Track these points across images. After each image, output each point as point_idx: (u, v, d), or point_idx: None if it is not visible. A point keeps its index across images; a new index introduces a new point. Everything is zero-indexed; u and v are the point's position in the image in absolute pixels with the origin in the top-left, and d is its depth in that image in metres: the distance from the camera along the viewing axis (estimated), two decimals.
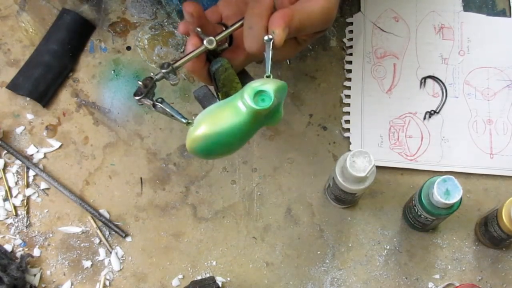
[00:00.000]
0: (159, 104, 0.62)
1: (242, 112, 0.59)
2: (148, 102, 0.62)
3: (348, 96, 0.85)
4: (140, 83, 0.62)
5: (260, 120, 0.60)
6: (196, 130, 0.60)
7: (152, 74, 0.63)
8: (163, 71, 0.63)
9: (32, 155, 0.83)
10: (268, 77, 0.60)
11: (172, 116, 0.62)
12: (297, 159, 0.83)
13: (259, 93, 0.58)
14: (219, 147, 0.61)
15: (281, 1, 0.64)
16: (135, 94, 0.62)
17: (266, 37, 0.60)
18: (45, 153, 0.83)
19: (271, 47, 0.61)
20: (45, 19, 0.87)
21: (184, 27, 0.67)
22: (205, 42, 0.63)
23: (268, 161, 0.83)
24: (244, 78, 0.68)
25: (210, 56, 0.66)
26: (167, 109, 0.62)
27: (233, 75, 0.65)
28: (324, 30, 0.67)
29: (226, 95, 0.64)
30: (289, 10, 0.61)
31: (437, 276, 0.80)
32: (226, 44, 0.67)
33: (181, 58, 0.64)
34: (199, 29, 0.64)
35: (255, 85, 0.58)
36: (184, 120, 0.61)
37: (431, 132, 0.84)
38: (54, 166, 0.83)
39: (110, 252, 0.80)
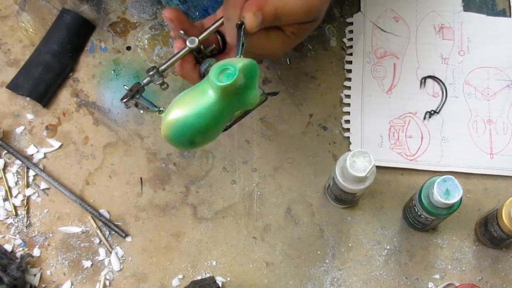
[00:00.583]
0: (136, 100, 0.64)
1: (208, 91, 0.59)
2: (131, 103, 0.64)
3: (348, 96, 0.85)
4: (126, 88, 0.65)
5: (231, 100, 0.60)
6: (167, 116, 0.60)
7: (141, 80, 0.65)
8: (149, 74, 0.65)
9: (32, 155, 0.83)
10: None
11: (148, 108, 0.63)
12: (297, 159, 0.83)
13: (223, 71, 0.58)
14: (193, 131, 0.60)
15: None
16: (122, 98, 0.64)
17: (237, 23, 0.62)
18: (45, 153, 0.83)
19: (242, 32, 0.62)
20: (45, 19, 0.87)
21: (173, 32, 0.68)
22: (187, 42, 0.64)
23: (268, 161, 0.83)
24: None
25: (200, 59, 0.66)
26: (142, 102, 0.63)
27: None
28: (311, 21, 0.66)
29: None
30: None
31: (437, 276, 0.80)
32: (214, 45, 0.67)
33: (167, 61, 0.65)
34: (182, 32, 0.65)
35: (219, 63, 0.59)
36: (155, 109, 0.62)
37: (431, 132, 0.84)
38: (54, 166, 0.83)
39: (110, 252, 0.80)
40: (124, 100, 0.64)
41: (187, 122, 0.60)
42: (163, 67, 0.65)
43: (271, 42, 0.66)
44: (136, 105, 0.64)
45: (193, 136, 0.61)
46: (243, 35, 0.62)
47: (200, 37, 0.65)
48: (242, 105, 0.62)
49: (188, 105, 0.59)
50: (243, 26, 0.62)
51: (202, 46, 0.65)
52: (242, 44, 0.62)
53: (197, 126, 0.60)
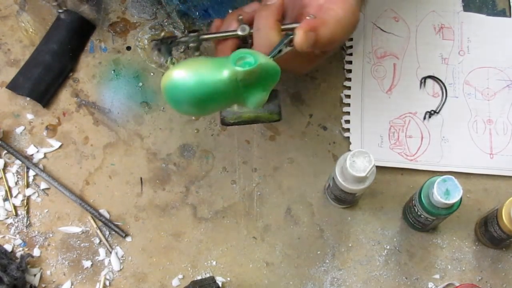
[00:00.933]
0: (162, 45, 0.66)
1: (222, 69, 0.60)
2: (156, 46, 0.66)
3: (348, 96, 0.85)
4: (162, 34, 0.68)
5: (238, 89, 0.61)
6: (175, 68, 0.61)
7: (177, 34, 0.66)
8: (190, 34, 0.66)
9: (32, 155, 0.83)
10: None
11: (165, 56, 0.66)
12: (297, 159, 0.83)
13: (244, 58, 0.59)
14: (189, 95, 0.61)
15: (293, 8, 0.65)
16: (153, 40, 0.67)
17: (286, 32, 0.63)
18: (45, 153, 0.83)
19: (284, 41, 0.62)
20: (45, 19, 0.87)
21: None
22: (239, 29, 0.65)
23: (268, 161, 0.83)
24: None
25: (242, 47, 0.67)
26: (164, 49, 0.66)
27: None
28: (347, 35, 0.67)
29: None
30: (318, 20, 0.63)
31: (437, 276, 0.80)
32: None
33: (211, 33, 0.65)
34: (241, 17, 0.66)
35: (244, 50, 0.60)
36: (169, 57, 0.65)
37: (431, 132, 0.84)
38: (54, 166, 0.83)
39: (110, 252, 0.80)
40: (154, 41, 0.67)
41: (189, 84, 0.61)
42: (205, 36, 0.66)
43: (299, 60, 0.66)
44: (159, 49, 0.66)
45: (187, 101, 0.62)
46: (286, 45, 0.63)
47: (205, 36, 0.66)
48: (245, 101, 0.62)
49: (196, 69, 0.60)
50: (290, 37, 0.62)
51: (250, 39, 0.66)
52: (280, 51, 0.63)
53: (196, 93, 0.61)
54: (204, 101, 0.62)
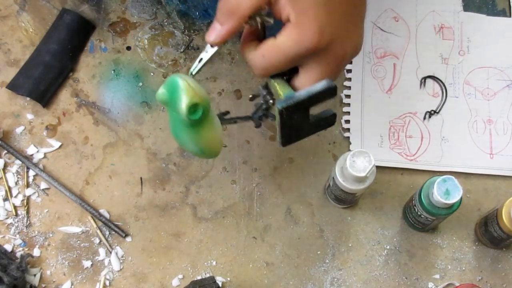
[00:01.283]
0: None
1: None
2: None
3: (348, 96, 0.85)
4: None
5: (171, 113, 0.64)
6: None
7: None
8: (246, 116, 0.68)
9: (32, 155, 0.83)
10: None
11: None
12: (297, 159, 0.83)
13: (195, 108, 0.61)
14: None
15: None
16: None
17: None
18: (45, 153, 0.83)
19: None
20: (45, 19, 0.87)
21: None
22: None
23: (268, 161, 0.83)
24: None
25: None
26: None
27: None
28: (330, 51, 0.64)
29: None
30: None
31: (437, 276, 0.80)
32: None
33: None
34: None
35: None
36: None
37: (431, 132, 0.84)
38: (54, 166, 0.83)
39: (110, 252, 0.80)
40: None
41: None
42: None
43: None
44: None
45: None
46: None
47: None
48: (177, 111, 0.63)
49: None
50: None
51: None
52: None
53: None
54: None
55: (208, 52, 0.64)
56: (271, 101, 0.65)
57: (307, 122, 0.63)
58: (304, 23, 0.57)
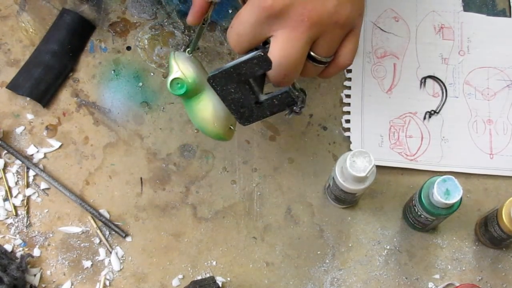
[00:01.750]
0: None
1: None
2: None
3: (348, 96, 0.85)
4: None
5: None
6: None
7: None
8: None
9: (32, 155, 0.83)
10: None
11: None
12: (297, 159, 0.83)
13: (177, 82, 0.67)
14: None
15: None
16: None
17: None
18: (45, 153, 0.83)
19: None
20: (45, 19, 0.87)
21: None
22: None
23: (268, 161, 0.83)
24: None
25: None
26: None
27: None
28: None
29: None
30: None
31: (437, 276, 0.80)
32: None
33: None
34: None
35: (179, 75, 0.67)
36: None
37: (431, 132, 0.84)
38: (54, 166, 0.83)
39: (110, 252, 0.80)
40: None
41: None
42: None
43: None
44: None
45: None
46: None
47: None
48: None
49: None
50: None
51: None
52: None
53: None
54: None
55: (197, 31, 0.68)
56: (301, 98, 0.65)
57: (253, 99, 0.63)
58: None
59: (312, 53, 0.61)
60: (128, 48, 0.87)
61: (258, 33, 0.59)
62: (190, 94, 0.67)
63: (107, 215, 0.81)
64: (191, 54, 0.68)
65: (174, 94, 0.67)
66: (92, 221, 0.81)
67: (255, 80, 0.62)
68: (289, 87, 0.62)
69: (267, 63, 0.58)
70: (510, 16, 0.89)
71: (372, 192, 0.82)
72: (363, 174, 0.70)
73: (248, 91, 0.62)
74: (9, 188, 0.81)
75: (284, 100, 0.63)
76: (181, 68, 0.66)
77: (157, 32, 0.88)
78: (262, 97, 0.63)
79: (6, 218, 0.81)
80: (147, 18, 0.88)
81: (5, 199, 0.81)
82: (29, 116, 0.84)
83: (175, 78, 0.66)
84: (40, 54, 0.84)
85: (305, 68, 0.62)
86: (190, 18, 0.66)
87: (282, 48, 0.59)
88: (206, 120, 0.68)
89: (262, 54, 0.58)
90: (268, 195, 0.82)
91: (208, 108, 0.68)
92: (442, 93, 0.86)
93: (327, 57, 0.62)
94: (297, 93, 0.64)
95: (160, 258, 0.80)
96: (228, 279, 0.79)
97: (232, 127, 0.70)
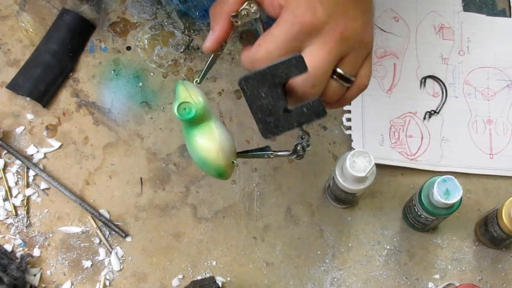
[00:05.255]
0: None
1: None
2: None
3: None
4: None
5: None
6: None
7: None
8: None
9: (32, 155, 0.83)
10: None
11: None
12: None
13: (185, 106, 0.62)
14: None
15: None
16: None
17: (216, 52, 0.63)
18: (45, 153, 0.83)
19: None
20: (45, 19, 0.87)
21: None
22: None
23: (268, 161, 0.83)
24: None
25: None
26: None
27: None
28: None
29: None
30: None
31: (437, 276, 0.80)
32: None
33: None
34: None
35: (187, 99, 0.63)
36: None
37: (431, 132, 0.84)
38: (54, 166, 0.83)
39: (110, 252, 0.80)
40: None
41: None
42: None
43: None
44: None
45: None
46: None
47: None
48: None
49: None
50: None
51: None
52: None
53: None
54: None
55: (209, 59, 0.64)
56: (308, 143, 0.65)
57: (282, 106, 0.60)
58: (295, 3, 0.57)
59: (339, 70, 0.61)
60: (128, 48, 0.87)
61: (289, 49, 0.59)
62: (197, 120, 0.63)
63: (107, 215, 0.81)
64: (199, 84, 0.65)
65: (181, 119, 0.62)
66: (92, 221, 0.81)
67: (283, 89, 0.60)
68: (319, 97, 0.61)
69: (304, 65, 0.58)
70: (510, 16, 0.89)
71: (372, 192, 0.82)
72: (363, 174, 0.70)
73: (279, 97, 0.59)
74: (9, 188, 0.81)
75: (315, 109, 0.60)
76: (190, 92, 0.62)
77: (157, 32, 0.88)
78: (292, 107, 0.60)
79: (6, 218, 0.81)
80: (147, 18, 0.88)
81: (5, 199, 0.81)
82: (29, 116, 0.84)
83: (183, 102, 0.62)
84: (40, 54, 0.84)
85: (331, 88, 0.62)
86: (209, 45, 0.62)
87: (314, 59, 0.59)
88: (210, 149, 0.64)
89: (301, 55, 0.57)
90: (268, 195, 0.82)
91: (213, 136, 0.64)
92: (442, 93, 0.86)
93: (352, 75, 0.62)
94: (301, 133, 0.64)
95: (160, 258, 0.80)
96: (228, 279, 0.79)
97: (234, 162, 0.66)
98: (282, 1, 0.58)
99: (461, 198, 0.71)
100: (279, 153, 0.67)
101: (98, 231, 0.80)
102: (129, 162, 0.83)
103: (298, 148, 0.65)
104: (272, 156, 0.67)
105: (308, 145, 0.65)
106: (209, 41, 0.62)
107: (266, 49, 0.59)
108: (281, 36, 0.58)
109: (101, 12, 0.88)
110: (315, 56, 0.59)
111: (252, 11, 0.60)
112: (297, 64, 0.57)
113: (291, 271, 0.80)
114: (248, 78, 0.57)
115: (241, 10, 0.60)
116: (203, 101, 0.63)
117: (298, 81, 0.60)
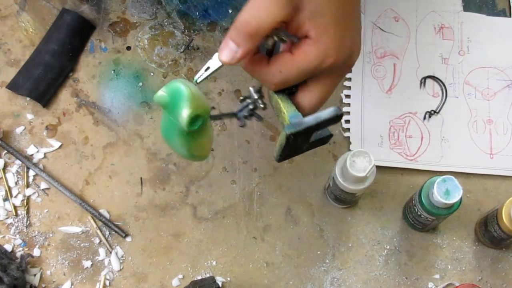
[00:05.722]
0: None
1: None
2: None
3: (348, 96, 0.85)
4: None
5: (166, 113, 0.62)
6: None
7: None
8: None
9: (32, 155, 0.83)
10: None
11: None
12: (297, 159, 0.83)
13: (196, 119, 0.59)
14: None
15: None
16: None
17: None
18: (45, 153, 0.83)
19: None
20: (45, 19, 0.87)
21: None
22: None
23: (268, 161, 0.83)
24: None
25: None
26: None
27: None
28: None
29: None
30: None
31: (437, 276, 0.80)
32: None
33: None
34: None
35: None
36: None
37: (431, 132, 0.84)
38: (54, 166, 0.83)
39: (110, 252, 0.80)
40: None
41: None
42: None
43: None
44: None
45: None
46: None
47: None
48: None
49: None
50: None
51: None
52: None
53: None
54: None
55: (215, 62, 0.61)
56: (261, 105, 0.64)
57: (306, 144, 0.64)
58: (326, 40, 0.58)
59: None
60: (128, 48, 0.87)
61: (304, 79, 0.61)
62: (200, 128, 0.60)
63: (107, 215, 0.81)
64: (197, 84, 0.61)
65: (190, 129, 0.59)
66: (92, 221, 0.81)
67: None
68: (331, 133, 0.64)
69: (340, 119, 0.61)
70: (510, 16, 0.89)
71: (372, 192, 0.82)
72: (363, 174, 0.70)
73: (308, 138, 0.63)
74: (9, 188, 0.81)
75: (325, 140, 0.65)
76: (200, 102, 0.58)
77: (157, 32, 0.88)
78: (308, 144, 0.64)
79: (6, 218, 0.81)
80: (147, 18, 0.88)
81: (5, 199, 0.81)
82: (29, 116, 0.84)
83: (197, 115, 0.58)
84: (40, 54, 0.84)
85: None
86: (230, 60, 0.58)
87: (326, 91, 0.62)
88: (206, 147, 0.64)
89: (342, 112, 0.60)
90: (268, 195, 0.82)
91: (208, 135, 0.63)
92: (442, 93, 0.86)
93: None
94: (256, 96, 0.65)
95: (160, 258, 0.80)
96: (228, 279, 0.79)
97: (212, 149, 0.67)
98: (312, 33, 0.57)
99: (461, 198, 0.71)
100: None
101: (98, 231, 0.80)
102: (129, 162, 0.83)
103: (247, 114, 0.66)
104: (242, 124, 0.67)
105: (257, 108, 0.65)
106: (232, 56, 0.58)
107: (286, 78, 0.60)
108: (305, 71, 0.59)
109: (101, 12, 0.88)
110: (328, 88, 0.62)
111: (286, 40, 0.59)
112: (337, 119, 0.60)
113: (291, 271, 0.80)
114: (299, 133, 0.60)
115: (274, 35, 0.58)
116: (208, 108, 0.60)
117: (308, 105, 0.62)
